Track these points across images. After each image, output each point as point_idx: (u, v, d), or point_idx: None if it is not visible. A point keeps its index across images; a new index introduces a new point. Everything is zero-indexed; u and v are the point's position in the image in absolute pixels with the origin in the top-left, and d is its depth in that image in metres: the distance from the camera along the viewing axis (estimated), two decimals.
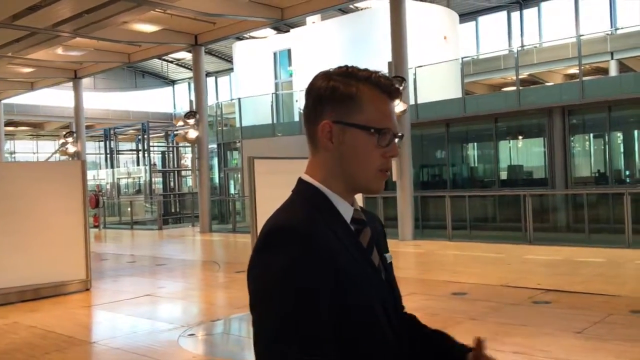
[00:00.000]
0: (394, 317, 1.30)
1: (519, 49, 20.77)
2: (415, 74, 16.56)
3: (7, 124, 30.53)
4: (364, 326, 1.21)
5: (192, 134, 18.34)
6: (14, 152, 36.96)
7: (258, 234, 1.22)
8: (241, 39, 24.70)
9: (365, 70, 1.28)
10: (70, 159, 22.22)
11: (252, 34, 22.95)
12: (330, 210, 1.26)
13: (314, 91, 1.28)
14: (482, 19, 26.54)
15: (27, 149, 37.85)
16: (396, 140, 1.28)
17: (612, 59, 21.21)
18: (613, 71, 21.07)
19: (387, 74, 1.33)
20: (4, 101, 27.86)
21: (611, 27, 22.86)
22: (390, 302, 1.30)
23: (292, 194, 1.30)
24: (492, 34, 26.13)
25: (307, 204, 1.25)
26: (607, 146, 15.91)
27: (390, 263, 1.39)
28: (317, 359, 1.11)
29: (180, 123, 19.33)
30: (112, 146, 28.28)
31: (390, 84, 1.27)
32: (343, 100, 1.24)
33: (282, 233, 1.17)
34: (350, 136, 1.25)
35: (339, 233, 1.23)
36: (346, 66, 1.29)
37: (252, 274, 1.19)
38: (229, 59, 30.48)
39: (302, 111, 1.35)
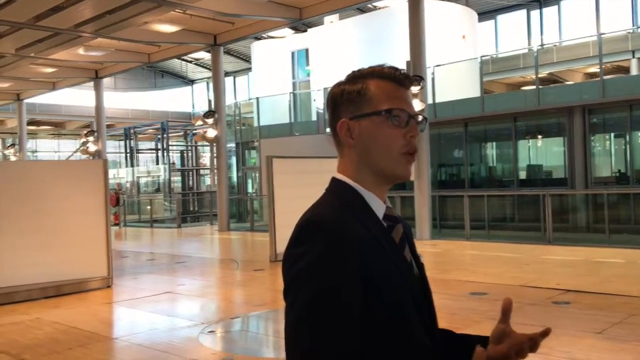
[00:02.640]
0: (428, 314, 1.33)
1: (539, 47, 20.60)
2: (433, 73, 16.51)
3: (30, 123, 31.01)
4: (393, 321, 1.22)
5: (211, 133, 18.46)
6: (36, 151, 37.52)
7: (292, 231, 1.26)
8: (259, 39, 24.82)
9: (370, 66, 1.35)
10: (91, 157, 22.51)
11: (270, 33, 23.03)
12: (362, 206, 1.29)
13: (329, 99, 1.36)
14: (501, 18, 26.34)
15: (48, 148, 38.39)
16: (418, 124, 1.33)
17: (633, 57, 20.94)
18: (634, 70, 20.80)
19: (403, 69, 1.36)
20: (26, 101, 28.29)
21: (632, 25, 22.56)
22: (423, 300, 1.33)
23: (326, 192, 1.33)
24: (512, 33, 25.92)
25: (338, 200, 1.28)
26: (628, 146, 15.73)
27: (422, 264, 1.42)
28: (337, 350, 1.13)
29: (199, 122, 19.42)
30: (132, 145, 28.58)
31: (393, 72, 1.32)
32: (352, 98, 1.31)
33: (311, 228, 1.21)
34: (366, 126, 1.29)
35: (372, 229, 1.26)
36: (353, 71, 1.36)
37: (285, 267, 1.23)
38: (247, 59, 30.63)
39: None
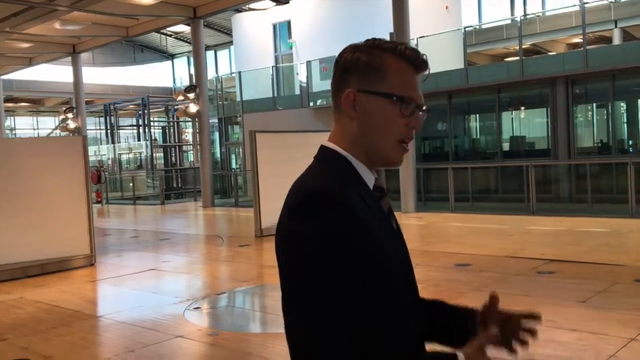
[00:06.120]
0: (413, 283, 1.35)
1: (522, 18, 20.49)
2: (417, 45, 16.37)
3: (7, 100, 30.41)
4: (387, 297, 1.23)
5: (193, 108, 18.25)
6: (14, 129, 36.86)
7: (287, 199, 1.23)
8: (240, 11, 24.40)
9: (391, 42, 1.30)
10: (71, 134, 22.16)
11: (252, 5, 22.65)
12: (355, 177, 1.28)
13: (340, 62, 1.31)
14: None
15: (27, 125, 37.73)
16: (421, 113, 1.31)
17: (615, 27, 20.93)
18: (617, 39, 20.81)
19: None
20: (2, 77, 27.70)
21: None
22: (409, 268, 1.35)
23: (316, 160, 1.31)
24: (495, 3, 25.75)
25: (334, 170, 1.26)
26: (610, 116, 15.80)
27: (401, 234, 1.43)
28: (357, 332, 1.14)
29: (181, 97, 19.18)
30: (112, 121, 28.17)
31: (415, 56, 1.29)
32: (367, 70, 1.27)
33: (314, 200, 1.18)
34: (373, 104, 1.27)
35: (366, 199, 1.25)
36: (373, 39, 1.32)
37: (286, 243, 1.20)
38: (228, 32, 30.14)
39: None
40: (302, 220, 1.17)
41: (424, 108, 1.31)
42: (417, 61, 1.29)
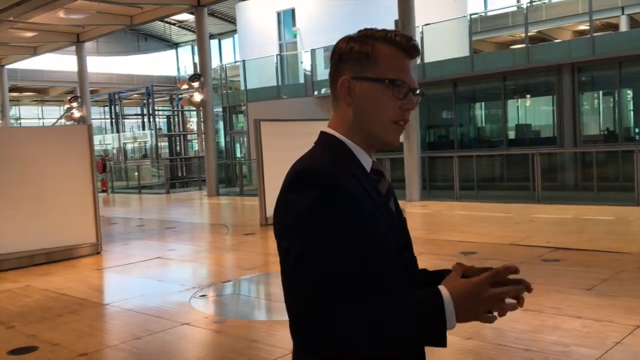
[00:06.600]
0: (411, 266, 1.39)
1: (528, 5, 20.33)
2: (422, 32, 16.28)
3: (12, 89, 30.44)
4: (378, 273, 1.28)
5: (197, 97, 18.22)
6: (20, 118, 36.92)
7: (284, 179, 1.29)
8: None
9: (383, 30, 1.37)
10: (76, 123, 22.19)
11: None
12: (352, 160, 1.35)
13: (335, 52, 1.38)
14: None
15: (32, 115, 37.79)
16: (415, 97, 1.36)
17: (622, 14, 20.75)
18: (624, 26, 20.65)
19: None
20: (7, 66, 27.71)
21: None
22: (407, 250, 1.39)
23: (316, 145, 1.38)
24: None
25: (330, 153, 1.33)
26: (617, 103, 15.71)
27: (404, 218, 1.47)
28: (335, 280, 1.19)
29: (185, 86, 19.13)
30: (117, 111, 28.16)
31: (405, 41, 1.34)
32: (360, 57, 1.33)
33: (306, 176, 1.25)
34: (367, 89, 1.33)
35: (361, 180, 1.31)
36: (366, 29, 1.39)
37: (279, 213, 1.28)
38: (232, 21, 30.04)
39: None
40: (289, 195, 1.25)
41: (417, 92, 1.36)
42: (408, 46, 1.34)
